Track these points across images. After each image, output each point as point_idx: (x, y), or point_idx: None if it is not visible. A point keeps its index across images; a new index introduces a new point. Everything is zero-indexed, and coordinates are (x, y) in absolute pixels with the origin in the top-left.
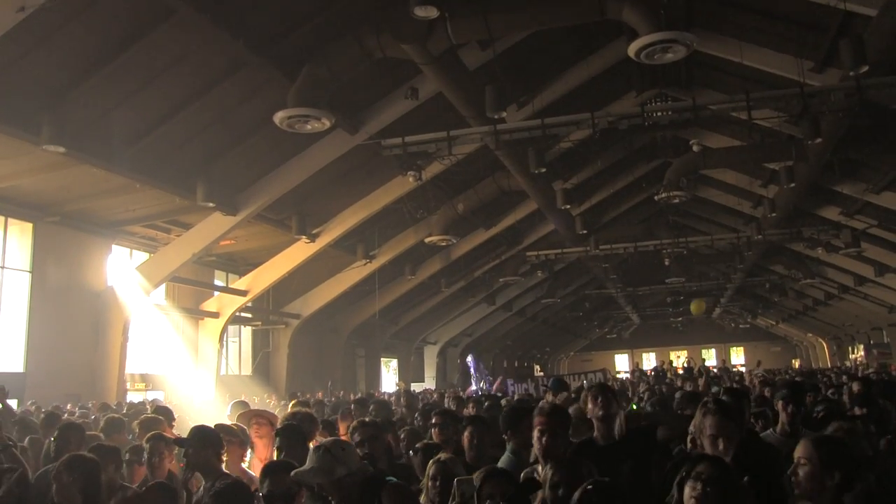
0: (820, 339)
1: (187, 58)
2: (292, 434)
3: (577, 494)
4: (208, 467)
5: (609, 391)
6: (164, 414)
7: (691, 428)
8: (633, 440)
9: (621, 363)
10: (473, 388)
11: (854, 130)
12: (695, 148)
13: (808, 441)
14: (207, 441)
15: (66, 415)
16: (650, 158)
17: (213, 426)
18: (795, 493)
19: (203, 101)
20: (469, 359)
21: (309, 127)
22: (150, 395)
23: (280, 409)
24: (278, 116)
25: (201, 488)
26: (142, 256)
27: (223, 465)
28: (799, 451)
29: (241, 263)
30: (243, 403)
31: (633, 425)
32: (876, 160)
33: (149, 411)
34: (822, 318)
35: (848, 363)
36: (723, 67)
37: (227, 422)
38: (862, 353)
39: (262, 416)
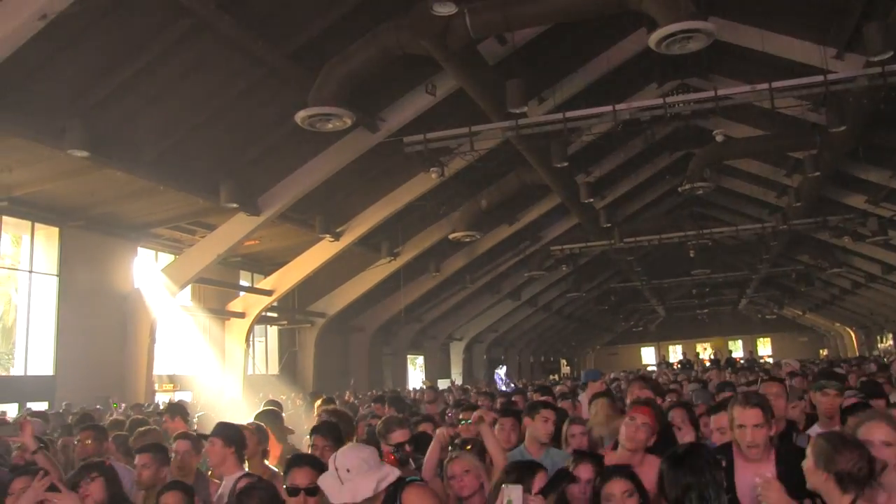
0: (847, 329)
1: (207, 60)
2: (328, 433)
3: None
4: (230, 465)
5: (645, 387)
6: (178, 410)
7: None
8: (671, 436)
9: (648, 356)
10: (500, 386)
11: (878, 116)
12: (718, 138)
13: (813, 439)
14: (231, 439)
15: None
16: (673, 150)
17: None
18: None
19: (224, 103)
20: (501, 373)
21: (330, 126)
22: (178, 396)
23: (297, 408)
24: (299, 116)
25: (222, 486)
26: (167, 258)
27: (245, 464)
28: (808, 448)
29: (265, 263)
30: (275, 402)
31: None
32: None
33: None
34: (849, 308)
35: (877, 352)
36: (744, 56)
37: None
38: (891, 341)
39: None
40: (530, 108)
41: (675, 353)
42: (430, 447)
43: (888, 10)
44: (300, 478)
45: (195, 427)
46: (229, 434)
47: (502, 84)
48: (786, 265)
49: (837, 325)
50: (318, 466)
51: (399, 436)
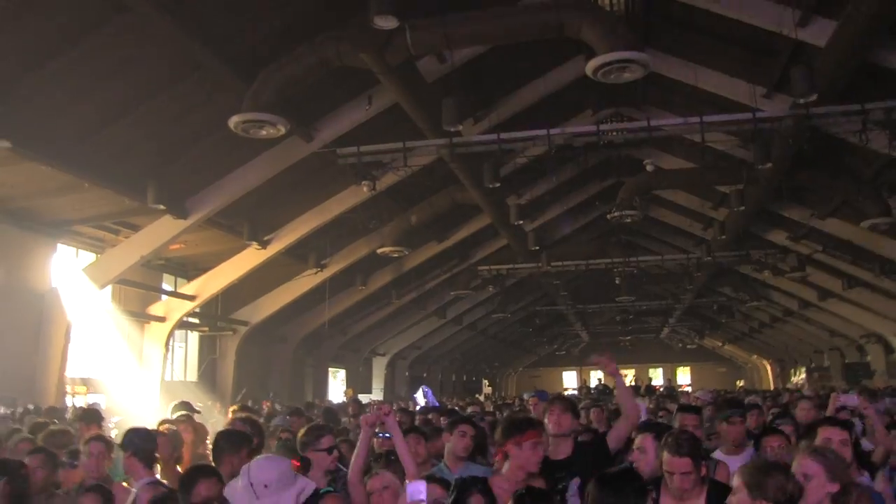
0: (764, 361)
1: (141, 56)
2: (226, 441)
3: None
4: (138, 472)
5: (566, 407)
6: (94, 417)
7: (636, 444)
8: (584, 455)
9: (569, 380)
10: (421, 403)
11: (802, 157)
12: (648, 168)
13: (739, 470)
14: (140, 444)
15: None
16: (604, 177)
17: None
18: None
19: (156, 102)
20: (425, 393)
21: (264, 133)
22: (91, 399)
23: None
24: (233, 121)
25: (133, 493)
26: (88, 257)
27: (157, 470)
28: (734, 480)
29: (190, 268)
30: (186, 404)
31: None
32: (822, 187)
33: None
34: (766, 341)
35: (790, 385)
36: (677, 89)
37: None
38: (804, 375)
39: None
40: (465, 127)
41: (597, 378)
42: (360, 439)
43: (814, 55)
44: (208, 489)
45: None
46: (132, 440)
47: (439, 102)
48: (708, 296)
49: (755, 357)
50: (221, 477)
51: (328, 441)
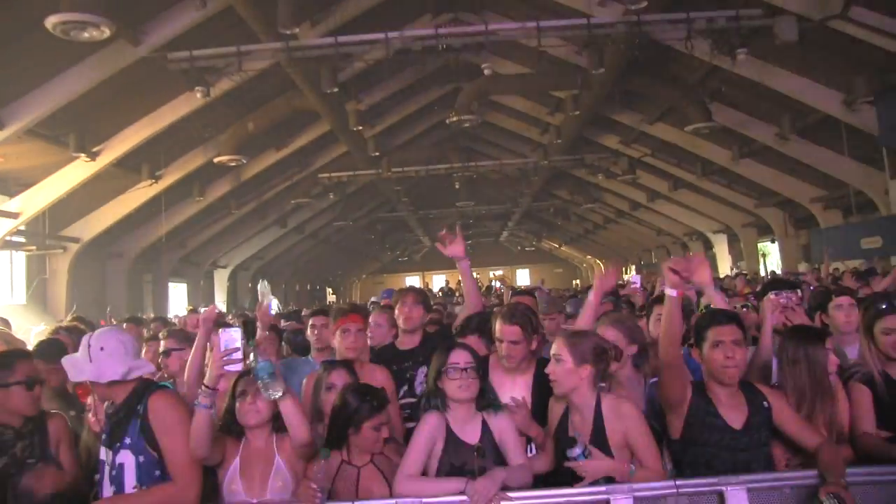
0: (598, 261)
1: None
2: (47, 349)
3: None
4: None
5: (417, 299)
6: None
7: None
8: (430, 344)
9: (412, 285)
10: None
11: (634, 63)
12: (486, 72)
13: (559, 338)
14: None
15: None
16: (443, 83)
17: None
18: (555, 392)
19: None
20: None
21: (86, 35)
22: None
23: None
24: (51, 21)
25: None
26: None
27: None
28: (553, 349)
29: (11, 183)
30: (3, 321)
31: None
32: (652, 93)
33: None
34: (600, 241)
35: (621, 282)
36: None
37: None
38: (633, 273)
39: None
40: (302, 30)
41: (440, 282)
42: (198, 338)
43: None
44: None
45: None
46: None
47: (275, 4)
48: (545, 200)
49: (589, 257)
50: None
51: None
